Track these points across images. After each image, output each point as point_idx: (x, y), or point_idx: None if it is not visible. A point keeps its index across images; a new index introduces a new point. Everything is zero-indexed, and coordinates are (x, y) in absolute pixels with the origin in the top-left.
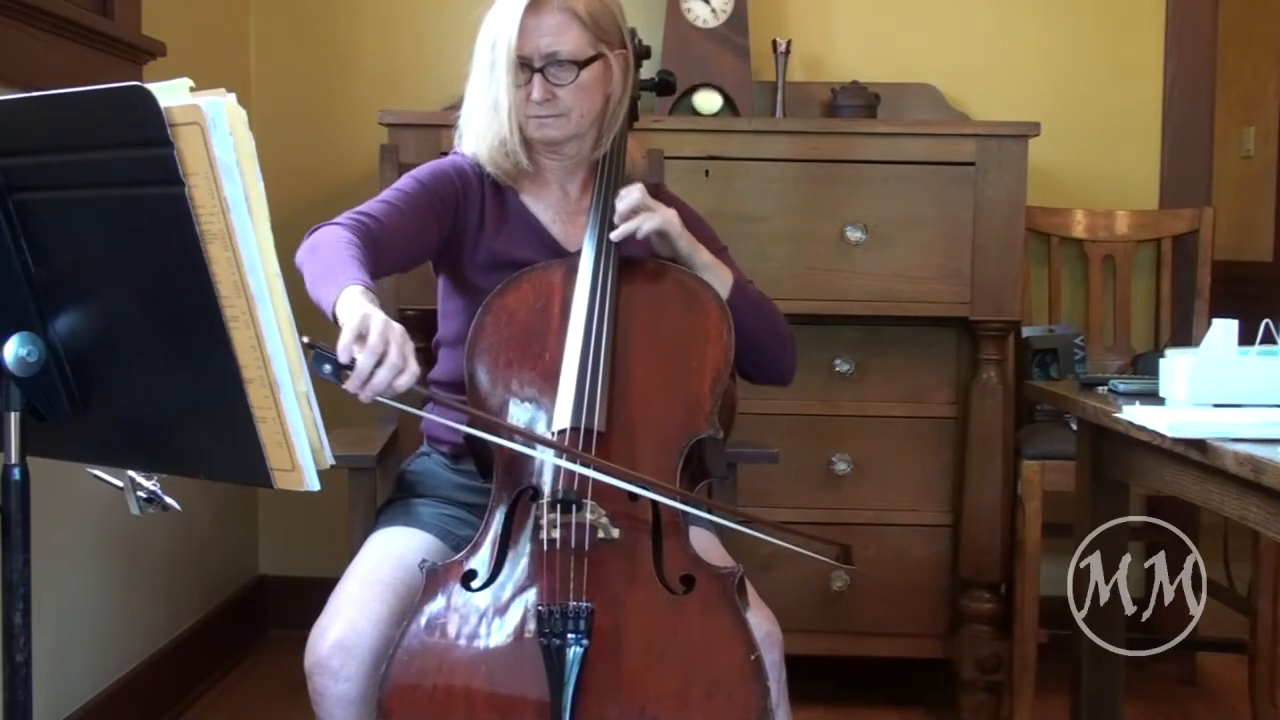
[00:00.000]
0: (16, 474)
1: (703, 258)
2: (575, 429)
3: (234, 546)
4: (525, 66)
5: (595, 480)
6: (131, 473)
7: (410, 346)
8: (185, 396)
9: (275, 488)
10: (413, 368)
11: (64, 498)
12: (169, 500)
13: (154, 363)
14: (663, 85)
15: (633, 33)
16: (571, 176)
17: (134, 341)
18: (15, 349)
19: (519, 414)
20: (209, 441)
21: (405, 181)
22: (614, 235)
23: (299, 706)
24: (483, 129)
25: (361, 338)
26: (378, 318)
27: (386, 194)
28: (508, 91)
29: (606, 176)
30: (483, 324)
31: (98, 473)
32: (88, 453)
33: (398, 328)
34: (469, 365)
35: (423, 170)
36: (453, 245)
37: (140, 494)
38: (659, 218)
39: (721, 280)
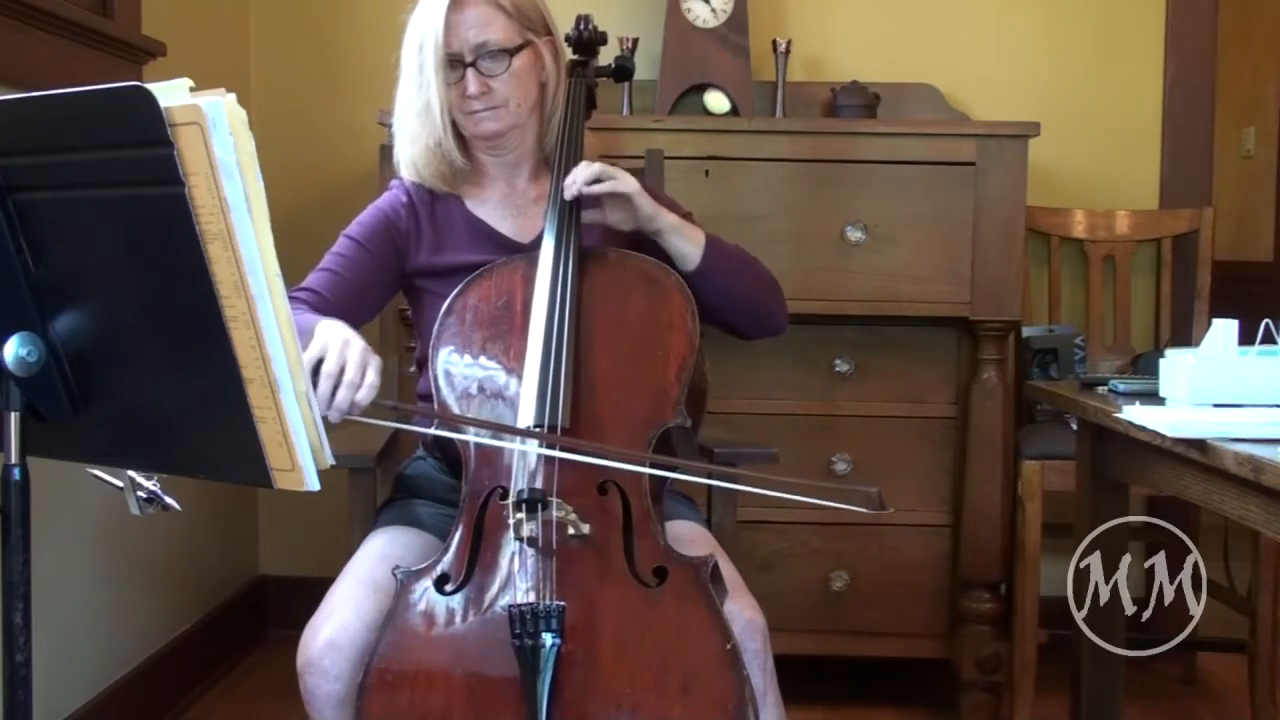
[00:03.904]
0: (16, 474)
1: (668, 219)
2: (540, 426)
3: (234, 546)
4: (456, 63)
5: (560, 478)
6: (131, 473)
7: (373, 361)
8: (185, 396)
9: (275, 488)
10: (370, 380)
11: (64, 498)
12: (169, 500)
13: (154, 363)
14: (619, 72)
15: (587, 19)
16: (516, 170)
17: (134, 341)
18: (15, 349)
19: (485, 413)
20: (209, 441)
21: (341, 244)
22: (567, 192)
23: (299, 706)
24: (416, 132)
25: (320, 363)
26: (336, 339)
27: (327, 260)
28: (438, 92)
29: (563, 167)
30: (445, 325)
31: (98, 473)
32: (88, 453)
33: (358, 344)
34: (433, 366)
35: (355, 227)
36: (407, 276)
37: (140, 494)
38: (614, 180)
39: (692, 239)
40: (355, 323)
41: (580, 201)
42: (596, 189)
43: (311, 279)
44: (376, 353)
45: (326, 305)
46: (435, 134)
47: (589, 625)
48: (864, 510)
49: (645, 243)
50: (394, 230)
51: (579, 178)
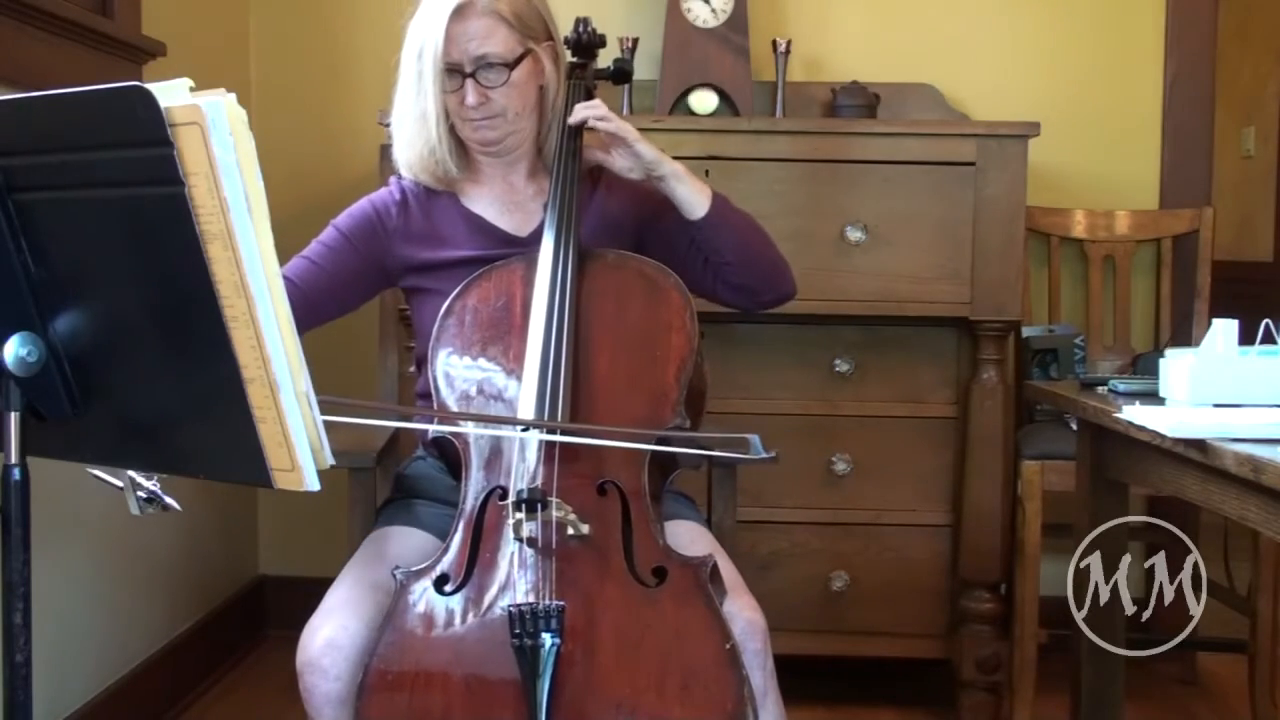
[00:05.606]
0: (16, 474)
1: (673, 166)
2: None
3: (234, 546)
4: (455, 73)
5: (559, 478)
6: (131, 473)
7: None
8: (185, 396)
9: (275, 488)
10: None
11: (64, 498)
12: (169, 500)
13: (154, 363)
14: (618, 74)
15: (586, 22)
16: (513, 169)
17: (134, 341)
18: (15, 349)
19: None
20: (209, 441)
21: (327, 233)
22: (574, 117)
23: (298, 706)
24: (411, 137)
25: None
26: None
27: (310, 248)
28: (435, 100)
29: (563, 170)
30: (444, 325)
31: (98, 473)
32: (88, 453)
33: None
34: (433, 368)
35: (343, 218)
36: (393, 275)
37: (140, 494)
38: (615, 124)
39: (699, 188)
40: (326, 314)
41: (582, 150)
42: (600, 125)
43: (289, 265)
44: (378, 352)
45: (298, 293)
46: (430, 141)
47: (588, 625)
48: (749, 458)
49: (646, 243)
50: (379, 227)
51: (587, 111)
